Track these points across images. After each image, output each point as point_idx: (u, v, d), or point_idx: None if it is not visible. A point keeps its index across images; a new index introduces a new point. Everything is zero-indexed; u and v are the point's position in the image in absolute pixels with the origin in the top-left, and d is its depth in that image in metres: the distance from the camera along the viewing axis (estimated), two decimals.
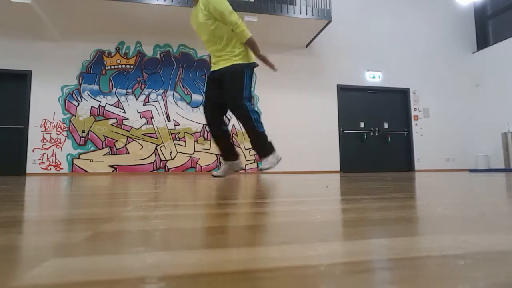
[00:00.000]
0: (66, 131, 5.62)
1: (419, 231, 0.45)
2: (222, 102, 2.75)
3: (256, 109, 2.84)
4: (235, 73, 2.65)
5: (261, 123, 2.73)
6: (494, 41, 7.30)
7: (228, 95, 2.67)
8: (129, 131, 5.80)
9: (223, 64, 2.70)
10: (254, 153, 6.21)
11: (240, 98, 2.63)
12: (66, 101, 5.68)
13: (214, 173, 2.91)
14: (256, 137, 2.72)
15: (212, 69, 2.81)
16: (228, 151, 2.88)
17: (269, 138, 2.81)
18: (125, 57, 5.95)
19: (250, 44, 2.69)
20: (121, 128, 5.79)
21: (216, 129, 2.82)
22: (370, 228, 0.46)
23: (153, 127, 5.90)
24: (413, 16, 7.43)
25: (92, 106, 5.73)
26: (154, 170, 5.80)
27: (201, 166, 5.95)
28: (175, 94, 6.02)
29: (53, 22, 5.35)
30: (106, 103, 5.79)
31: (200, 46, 6.22)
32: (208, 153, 6.00)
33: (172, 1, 5.05)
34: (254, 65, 2.78)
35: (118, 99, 5.83)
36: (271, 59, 6.83)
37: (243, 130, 2.63)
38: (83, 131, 5.67)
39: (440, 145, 7.21)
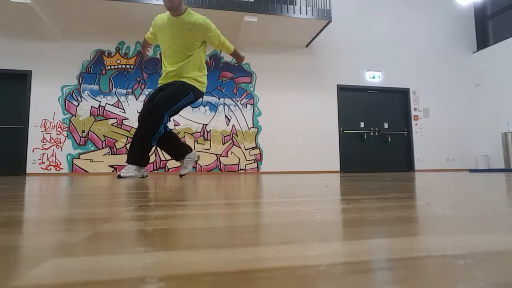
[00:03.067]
0: (66, 131, 5.62)
1: (419, 231, 0.45)
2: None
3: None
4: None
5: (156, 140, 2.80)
6: (494, 41, 7.30)
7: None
8: (129, 131, 5.80)
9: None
10: (255, 152, 6.21)
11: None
12: (66, 101, 5.68)
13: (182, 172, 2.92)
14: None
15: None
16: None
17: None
18: (125, 57, 5.95)
19: None
20: (121, 128, 5.79)
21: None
22: (370, 228, 0.46)
23: None
24: (413, 16, 7.43)
25: (92, 106, 5.73)
26: (154, 170, 5.80)
27: (201, 166, 5.95)
28: None
29: (53, 22, 5.35)
30: (106, 103, 5.79)
31: None
32: (208, 153, 6.00)
33: None
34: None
35: (118, 99, 5.83)
36: (272, 59, 6.81)
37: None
38: (83, 131, 5.67)
39: (440, 145, 7.21)
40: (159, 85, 2.88)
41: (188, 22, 2.72)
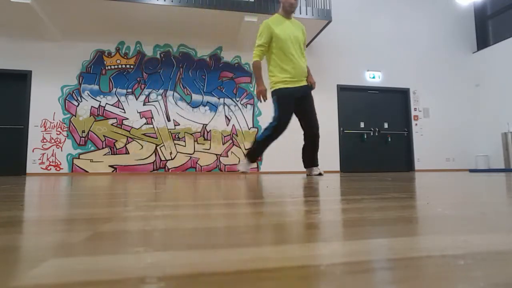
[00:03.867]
0: (66, 131, 5.62)
1: (419, 231, 0.45)
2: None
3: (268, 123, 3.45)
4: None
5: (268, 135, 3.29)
6: (494, 41, 7.30)
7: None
8: (129, 131, 5.81)
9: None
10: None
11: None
12: (66, 101, 5.68)
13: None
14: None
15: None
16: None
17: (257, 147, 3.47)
18: (125, 57, 5.95)
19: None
20: (121, 128, 5.79)
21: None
22: (370, 228, 0.46)
23: (153, 127, 5.90)
24: (413, 16, 7.44)
25: (92, 106, 5.73)
26: (154, 170, 5.80)
27: (201, 166, 5.95)
28: (175, 94, 6.02)
29: (53, 22, 5.35)
30: (106, 103, 5.79)
31: (200, 46, 6.22)
32: (208, 153, 6.00)
33: (172, 1, 5.05)
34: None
35: (118, 99, 5.83)
36: None
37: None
38: (83, 131, 5.67)
39: (440, 145, 7.21)
40: (298, 86, 3.25)
41: (298, 22, 3.17)
